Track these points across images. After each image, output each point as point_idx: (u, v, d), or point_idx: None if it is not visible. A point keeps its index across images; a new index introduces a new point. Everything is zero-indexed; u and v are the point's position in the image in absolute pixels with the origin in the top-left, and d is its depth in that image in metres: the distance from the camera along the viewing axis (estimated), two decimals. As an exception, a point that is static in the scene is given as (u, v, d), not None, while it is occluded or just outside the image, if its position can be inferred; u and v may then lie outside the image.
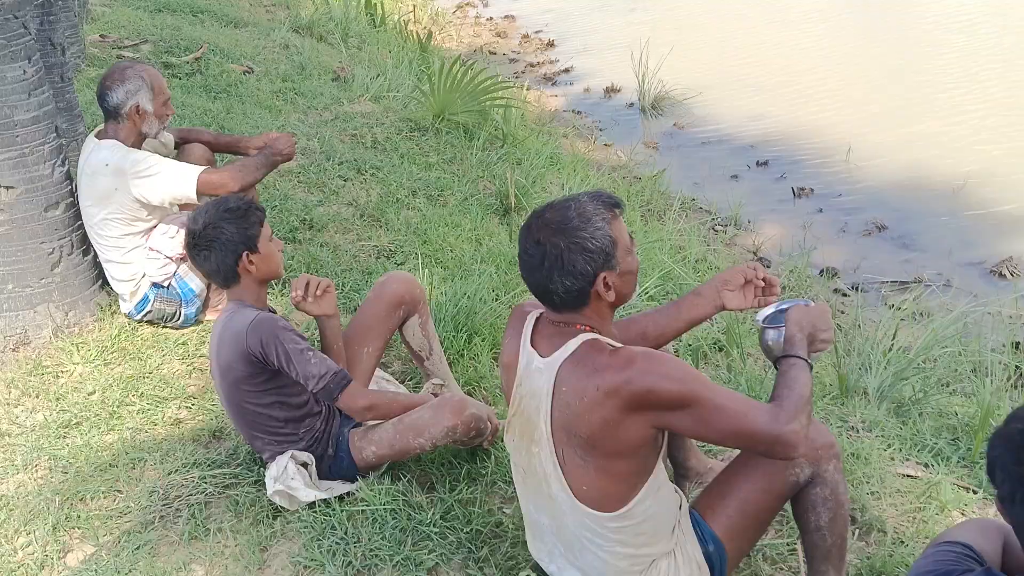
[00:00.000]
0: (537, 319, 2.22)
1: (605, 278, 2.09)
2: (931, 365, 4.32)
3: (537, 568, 2.47)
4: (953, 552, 1.62)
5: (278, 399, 2.74)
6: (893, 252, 5.90)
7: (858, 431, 3.46)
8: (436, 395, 3.10)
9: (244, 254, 2.74)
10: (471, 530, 2.66)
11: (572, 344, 2.10)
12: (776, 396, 2.07)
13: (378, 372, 3.22)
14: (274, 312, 2.87)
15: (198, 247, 2.75)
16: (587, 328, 2.13)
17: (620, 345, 2.13)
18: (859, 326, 4.78)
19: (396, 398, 2.86)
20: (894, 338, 4.35)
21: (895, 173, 6.75)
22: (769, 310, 2.40)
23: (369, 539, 2.59)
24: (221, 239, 2.72)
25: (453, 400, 2.81)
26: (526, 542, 2.44)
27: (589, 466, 2.10)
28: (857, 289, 5.38)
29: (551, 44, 10.42)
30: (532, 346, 2.18)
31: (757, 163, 7.20)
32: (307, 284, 2.84)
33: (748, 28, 10.09)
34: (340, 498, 2.76)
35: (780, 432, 1.98)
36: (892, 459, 3.27)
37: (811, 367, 2.14)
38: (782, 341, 2.24)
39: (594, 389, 2.03)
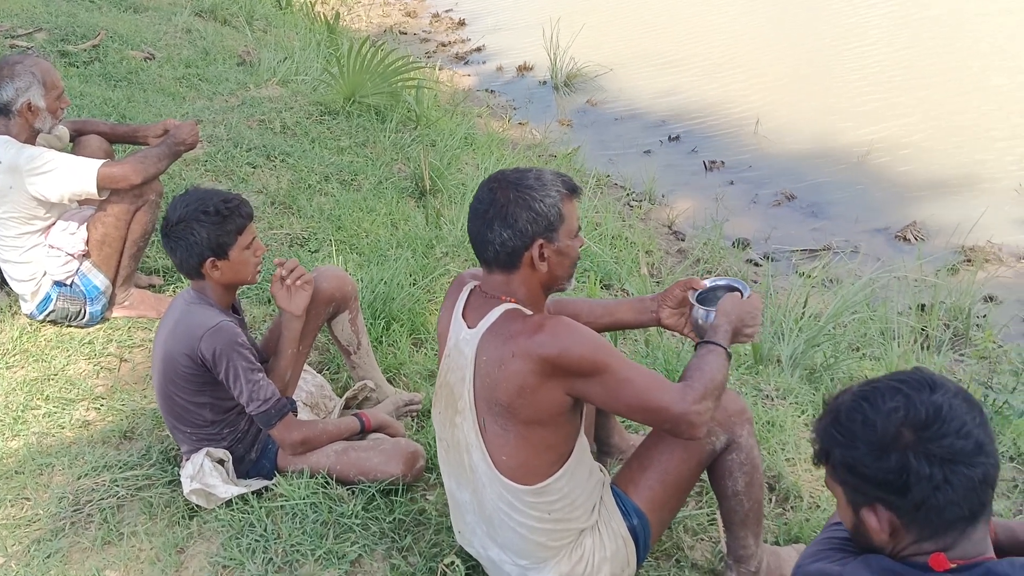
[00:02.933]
0: (471, 291, 2.25)
1: (542, 245, 2.12)
2: (841, 331, 4.44)
3: (462, 552, 2.47)
4: (837, 537, 1.65)
5: (210, 400, 2.70)
6: (802, 221, 6.03)
7: (772, 399, 3.54)
8: (359, 402, 3.09)
9: (210, 259, 2.65)
10: (394, 519, 2.65)
11: (494, 314, 2.14)
12: (686, 376, 2.14)
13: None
14: (238, 312, 2.83)
15: (168, 237, 2.67)
16: (511, 300, 2.16)
17: (533, 313, 2.15)
18: (771, 294, 4.88)
19: (326, 429, 2.81)
20: (805, 306, 4.45)
21: (803, 144, 6.89)
22: (705, 283, 2.46)
23: (290, 534, 2.55)
24: (189, 239, 2.63)
25: (407, 451, 2.77)
26: (451, 528, 2.44)
27: (509, 435, 2.13)
28: (768, 258, 5.50)
29: (462, 23, 10.35)
30: (463, 317, 2.21)
31: (669, 138, 7.28)
32: (293, 269, 2.78)
33: (659, 4, 10.16)
34: (258, 494, 2.71)
35: (685, 411, 2.05)
36: (806, 425, 3.35)
37: (729, 356, 2.21)
38: (708, 323, 2.31)
39: (509, 355, 2.07)
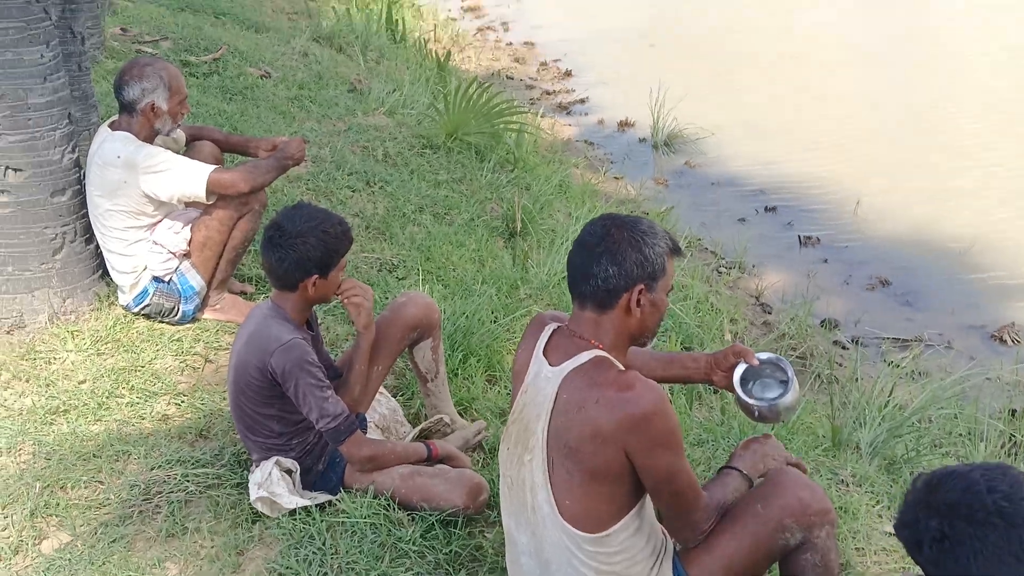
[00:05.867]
0: (554, 331, 2.25)
1: (641, 291, 2.14)
2: (926, 425, 4.30)
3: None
4: None
5: (278, 413, 2.74)
6: (895, 309, 5.90)
7: (847, 485, 3.44)
8: (432, 432, 3.11)
9: (314, 277, 2.72)
10: (450, 551, 2.64)
11: (582, 357, 2.14)
12: (717, 493, 2.26)
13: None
14: (312, 328, 2.89)
15: (275, 244, 2.71)
16: (599, 347, 2.16)
17: (625, 368, 2.15)
18: (856, 380, 4.76)
19: (395, 450, 2.85)
20: (891, 395, 4.33)
21: (903, 230, 6.75)
22: (756, 359, 2.48)
23: (347, 551, 2.56)
24: (303, 252, 2.69)
25: (472, 482, 2.79)
26: (505, 568, 2.42)
27: (574, 480, 2.12)
28: (857, 343, 5.37)
29: (568, 74, 10.47)
30: (544, 355, 2.21)
31: (766, 208, 7.21)
32: (350, 288, 2.86)
33: (765, 70, 10.12)
34: (321, 507, 2.73)
35: (703, 528, 2.22)
36: (880, 516, 3.24)
37: (751, 483, 2.33)
38: (755, 414, 2.43)
39: (593, 401, 2.06)
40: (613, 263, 2.12)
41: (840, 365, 5.14)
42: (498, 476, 2.69)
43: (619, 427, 2.04)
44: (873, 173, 7.58)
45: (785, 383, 2.45)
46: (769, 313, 5.73)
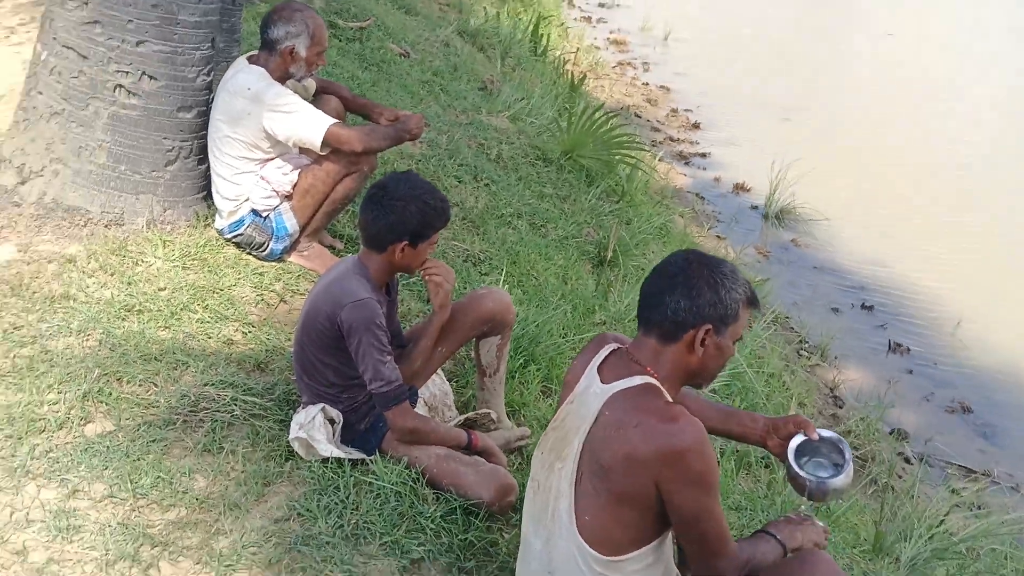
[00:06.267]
0: (613, 351, 2.24)
1: (708, 331, 2.11)
2: (973, 556, 4.12)
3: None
4: None
5: (336, 364, 2.78)
6: (970, 438, 5.70)
7: (880, 592, 3.31)
8: (475, 424, 3.11)
9: (404, 243, 2.76)
10: (465, 539, 2.63)
11: (633, 380, 2.12)
12: (745, 550, 2.18)
13: None
14: (389, 293, 2.92)
15: (376, 202, 2.76)
16: (654, 375, 2.13)
17: (673, 401, 2.13)
18: (912, 496, 4.61)
19: (436, 429, 2.86)
20: (944, 518, 4.17)
21: (998, 362, 6.51)
22: (817, 434, 2.41)
23: (367, 511, 2.58)
24: (401, 215, 2.73)
25: (503, 481, 2.78)
26: (514, 571, 2.39)
27: (600, 498, 2.10)
28: (922, 460, 5.20)
29: (696, 126, 10.42)
30: (597, 371, 2.20)
31: (863, 305, 7.05)
32: (433, 266, 2.90)
33: (897, 167, 9.89)
34: (353, 463, 2.75)
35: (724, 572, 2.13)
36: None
37: (785, 553, 2.24)
38: (804, 489, 2.36)
39: (633, 423, 2.05)
40: (686, 297, 2.10)
41: (900, 477, 4.98)
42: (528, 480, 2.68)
43: (654, 457, 2.02)
44: (983, 300, 7.31)
45: (840, 466, 2.38)
46: (840, 407, 5.59)
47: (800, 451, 2.40)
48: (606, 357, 2.23)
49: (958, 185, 9.65)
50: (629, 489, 2.06)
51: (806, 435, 2.40)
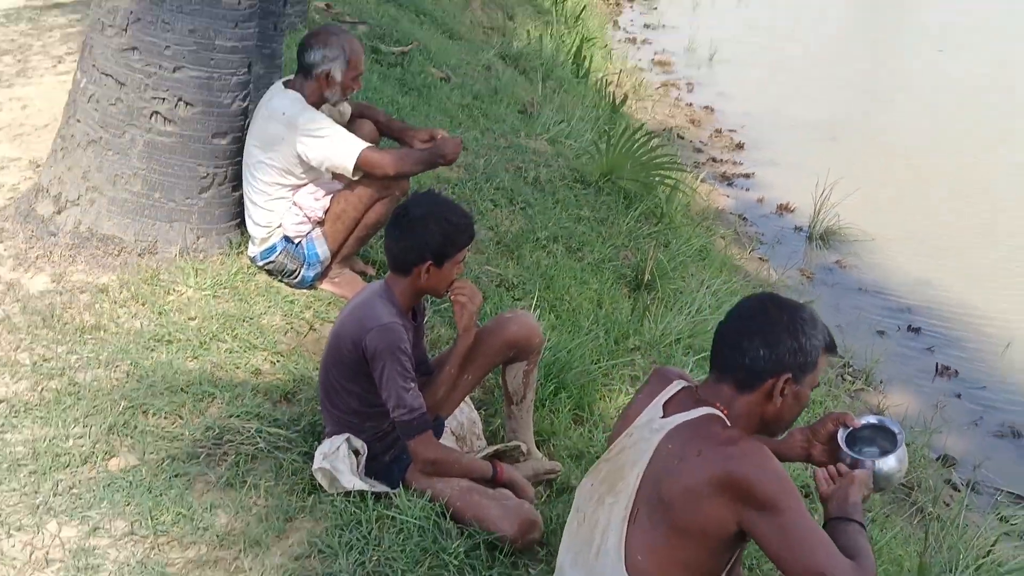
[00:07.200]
0: (683, 388, 2.17)
1: (788, 380, 2.04)
2: (1021, 588, 3.97)
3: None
4: None
5: (360, 391, 2.75)
6: (1021, 463, 5.50)
7: (923, 628, 3.19)
8: (504, 455, 3.04)
9: (428, 263, 2.73)
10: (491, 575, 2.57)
11: (696, 412, 2.06)
12: (854, 555, 1.97)
13: None
14: (416, 318, 2.88)
15: (399, 225, 2.75)
16: (722, 410, 2.06)
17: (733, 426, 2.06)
18: (959, 525, 4.46)
19: (460, 461, 2.81)
20: (992, 548, 4.03)
21: (1051, 385, 6.30)
22: (860, 421, 2.30)
23: (389, 547, 2.54)
24: (422, 235, 2.71)
25: (527, 516, 2.71)
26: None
27: (657, 535, 2.01)
28: (970, 486, 5.03)
29: (740, 146, 10.28)
30: (663, 406, 2.14)
31: (909, 327, 6.86)
32: (462, 286, 2.85)
33: (945, 186, 9.66)
34: (376, 497, 2.72)
35: None
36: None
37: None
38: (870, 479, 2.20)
39: (695, 452, 1.98)
40: (766, 345, 2.03)
41: (947, 505, 4.81)
42: (556, 516, 2.61)
43: (719, 484, 1.94)
44: (1034, 322, 7.10)
45: (891, 447, 2.26)
46: (885, 432, 5.43)
47: (849, 447, 2.27)
48: (675, 394, 2.17)
49: (1007, 205, 9.39)
50: (692, 522, 1.98)
51: (847, 426, 2.29)
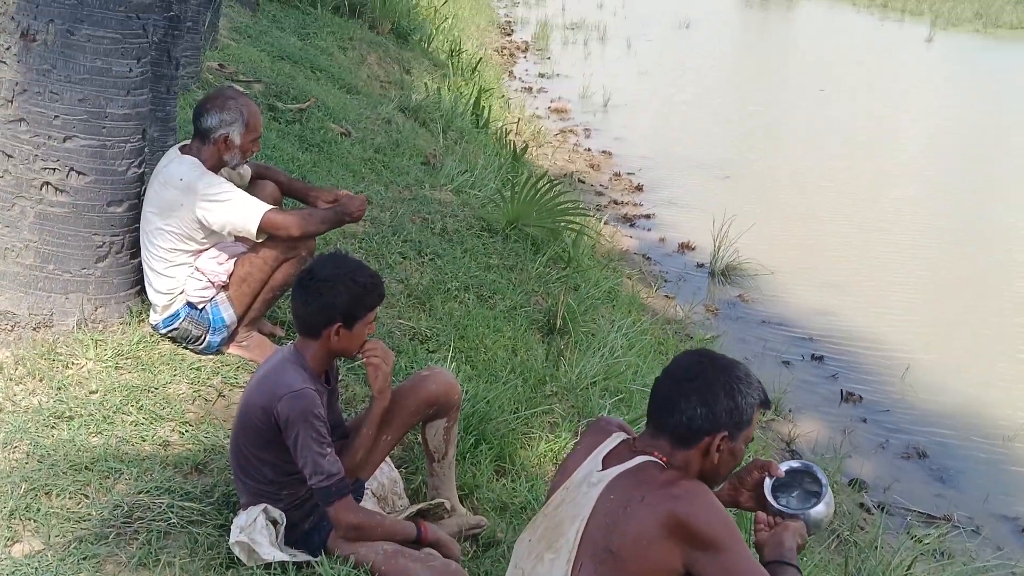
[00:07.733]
0: (623, 442, 2.18)
1: (724, 438, 2.08)
2: (942, 608, 4.09)
3: None
4: None
5: (273, 460, 2.68)
6: (928, 483, 5.71)
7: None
8: (428, 514, 3.00)
9: (337, 325, 2.69)
10: (420, 640, 2.51)
11: (634, 460, 2.09)
12: None
13: None
14: (329, 382, 2.83)
15: (306, 288, 2.71)
16: (661, 458, 2.08)
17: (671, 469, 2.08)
18: (876, 548, 4.58)
19: (383, 524, 2.76)
20: (909, 569, 4.15)
21: (949, 405, 6.56)
22: (782, 468, 2.35)
23: (314, 619, 2.46)
24: (329, 298, 2.67)
25: (455, 575, 2.67)
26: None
27: None
28: (883, 509, 5.19)
29: (639, 188, 10.53)
30: (602, 460, 2.15)
31: (812, 356, 7.09)
32: (373, 347, 2.80)
33: (836, 220, 10.07)
34: (297, 567, 2.63)
35: None
36: None
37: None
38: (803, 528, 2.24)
39: (638, 499, 2.00)
40: (703, 404, 2.07)
41: (862, 529, 4.94)
42: (484, 572, 2.58)
43: (666, 527, 1.96)
44: (929, 344, 7.42)
45: (819, 494, 2.31)
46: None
47: (776, 492, 2.32)
48: (615, 448, 2.18)
49: (897, 235, 9.84)
50: (643, 569, 1.99)
51: (771, 475, 2.33)
